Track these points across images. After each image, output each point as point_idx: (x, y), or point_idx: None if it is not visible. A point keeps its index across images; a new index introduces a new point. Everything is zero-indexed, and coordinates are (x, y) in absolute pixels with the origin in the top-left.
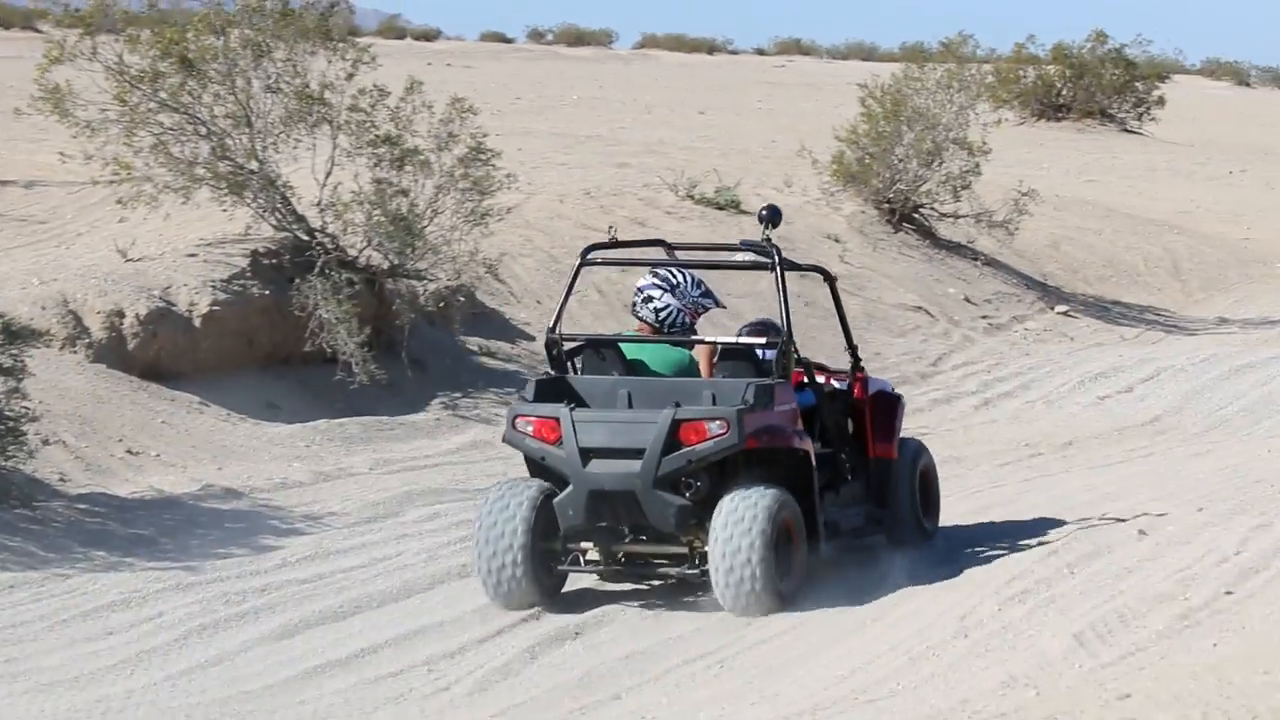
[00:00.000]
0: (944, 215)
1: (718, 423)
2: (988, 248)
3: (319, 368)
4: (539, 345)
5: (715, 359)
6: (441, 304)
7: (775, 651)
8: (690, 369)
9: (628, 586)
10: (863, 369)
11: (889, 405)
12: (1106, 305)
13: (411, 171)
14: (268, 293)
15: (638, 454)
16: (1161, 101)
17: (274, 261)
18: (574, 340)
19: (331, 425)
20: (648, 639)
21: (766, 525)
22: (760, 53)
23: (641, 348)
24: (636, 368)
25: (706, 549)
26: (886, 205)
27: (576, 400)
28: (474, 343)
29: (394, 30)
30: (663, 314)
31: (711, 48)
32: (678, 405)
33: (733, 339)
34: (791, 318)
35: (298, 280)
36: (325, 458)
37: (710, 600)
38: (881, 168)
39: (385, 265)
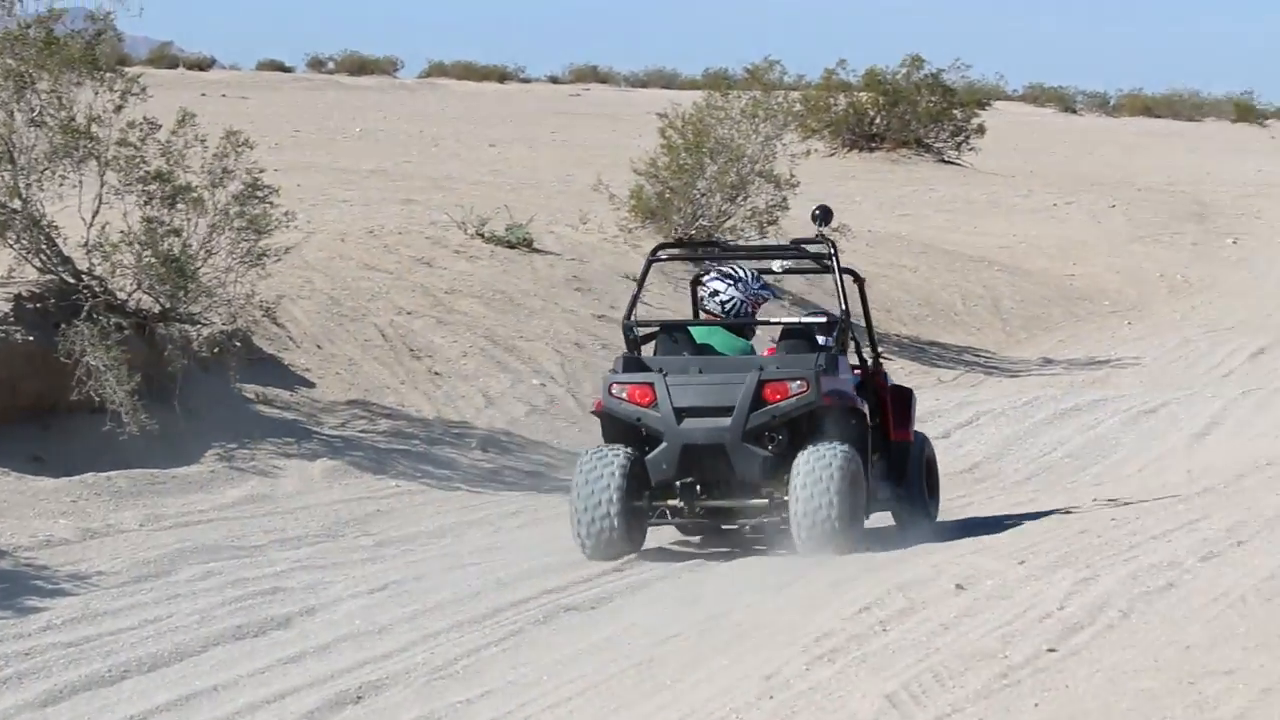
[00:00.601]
0: None
1: (798, 382)
2: (796, 286)
3: (86, 418)
4: (320, 392)
5: (774, 343)
6: (216, 350)
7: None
8: (750, 354)
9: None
10: (882, 364)
11: (905, 397)
12: (923, 346)
13: (184, 210)
14: (31, 339)
15: (727, 411)
16: (981, 130)
17: (38, 306)
18: (649, 326)
19: (100, 479)
20: None
21: (844, 469)
22: (554, 80)
23: (711, 332)
24: (704, 350)
25: (785, 498)
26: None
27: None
28: (251, 390)
29: (166, 59)
30: (728, 305)
31: (503, 75)
32: (761, 369)
33: (795, 319)
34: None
35: (64, 325)
36: (93, 513)
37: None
38: (683, 202)
39: (157, 309)
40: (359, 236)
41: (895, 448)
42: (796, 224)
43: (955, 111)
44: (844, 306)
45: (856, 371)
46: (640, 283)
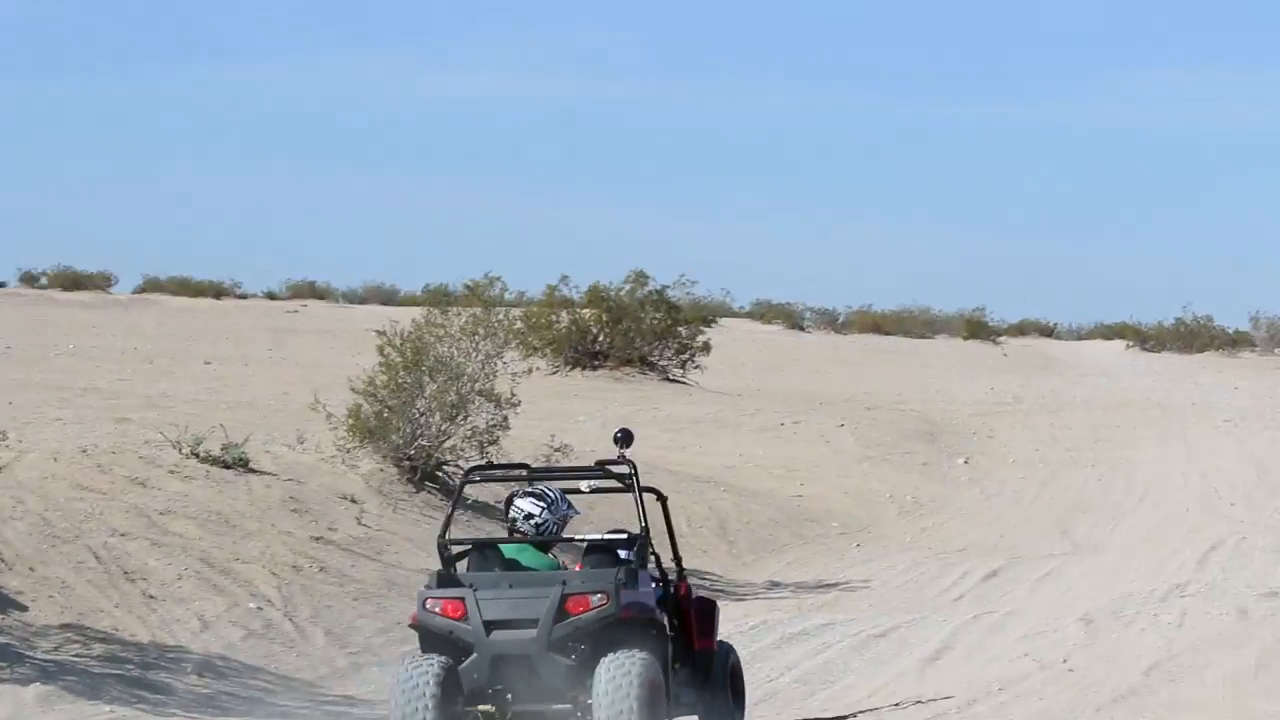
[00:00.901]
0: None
1: (599, 595)
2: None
3: None
4: (33, 615)
5: (580, 560)
6: None
7: None
8: (556, 569)
9: None
10: (685, 577)
11: (708, 608)
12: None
13: None
14: None
15: (533, 624)
16: (707, 347)
17: None
18: (461, 544)
19: None
20: None
21: (642, 678)
22: (271, 297)
23: (520, 549)
24: (513, 566)
25: (589, 702)
26: (407, 462)
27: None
28: None
29: None
30: (541, 527)
31: (219, 291)
32: (564, 583)
33: (599, 535)
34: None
35: None
36: None
37: None
38: (402, 422)
39: None
40: (72, 455)
41: (699, 655)
42: (518, 444)
43: (680, 329)
44: (643, 524)
45: (657, 584)
46: (454, 502)
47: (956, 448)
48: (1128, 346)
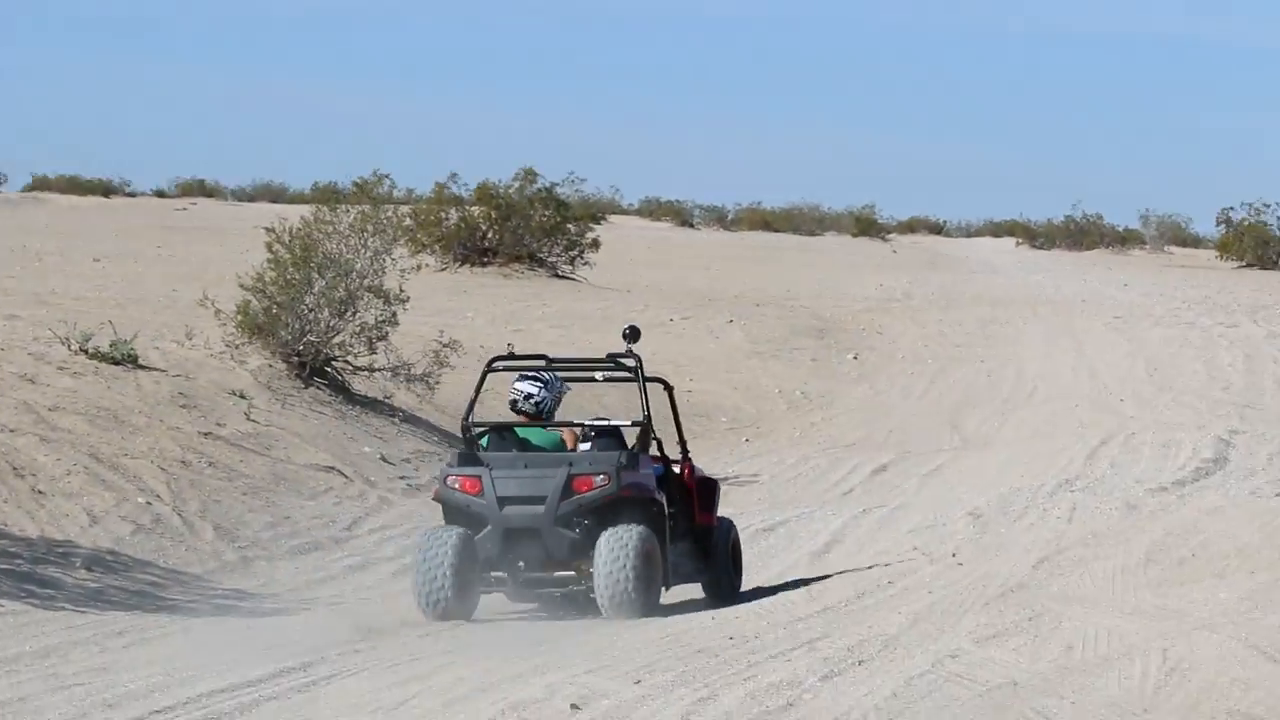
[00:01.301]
0: (359, 369)
1: (602, 476)
2: (407, 403)
3: None
4: None
5: (580, 438)
6: None
7: None
8: (562, 445)
9: None
10: (690, 459)
11: (710, 487)
12: None
13: None
14: None
15: (541, 500)
16: (596, 244)
17: None
18: (482, 426)
19: None
20: None
21: (638, 550)
22: (161, 194)
23: (530, 430)
24: (526, 444)
25: (591, 570)
26: (296, 358)
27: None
28: None
29: None
30: (540, 405)
31: (107, 190)
32: (571, 465)
33: (605, 421)
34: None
35: None
36: None
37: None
38: (290, 318)
39: None
40: None
41: (701, 530)
42: (407, 339)
43: (569, 226)
44: (646, 412)
45: (658, 465)
46: (477, 390)
47: (846, 344)
48: (1017, 244)
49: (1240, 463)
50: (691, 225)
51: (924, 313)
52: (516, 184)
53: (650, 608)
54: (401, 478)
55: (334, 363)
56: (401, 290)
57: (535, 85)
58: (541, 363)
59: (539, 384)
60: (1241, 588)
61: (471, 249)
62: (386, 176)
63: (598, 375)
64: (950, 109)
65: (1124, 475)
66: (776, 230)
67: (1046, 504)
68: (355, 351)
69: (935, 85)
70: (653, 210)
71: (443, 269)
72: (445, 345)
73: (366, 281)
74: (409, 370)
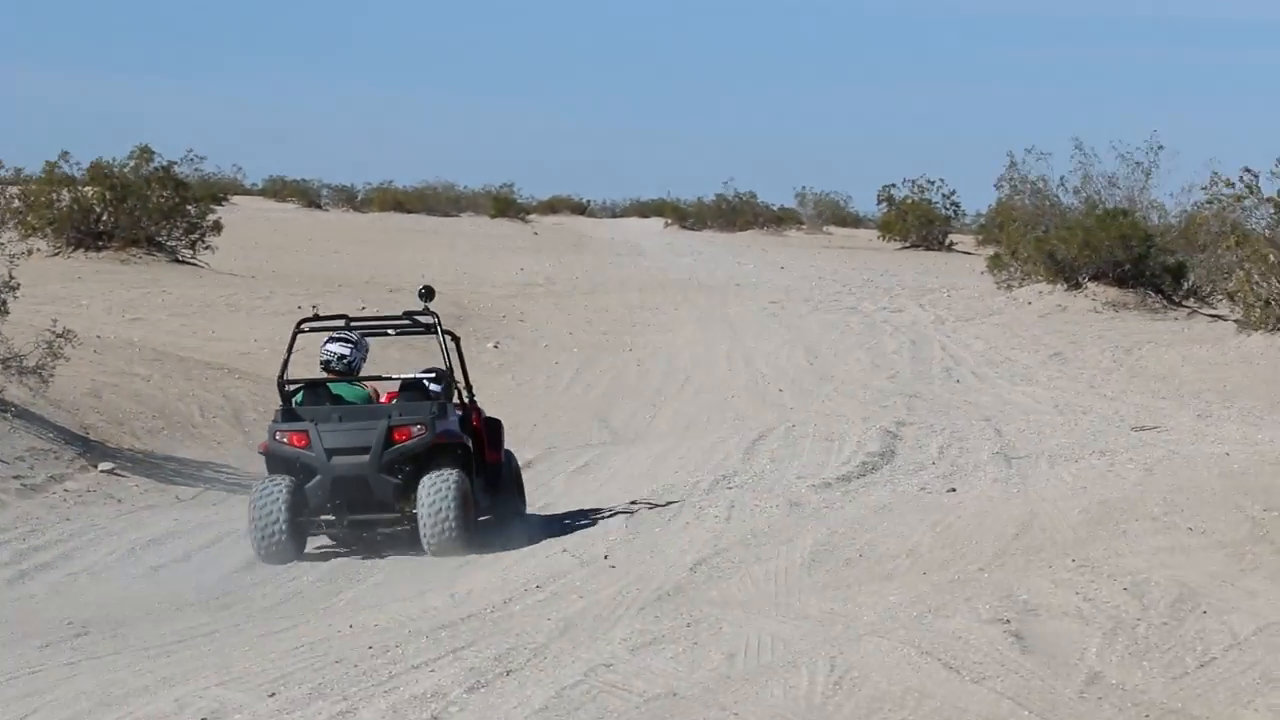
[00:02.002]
0: None
1: (418, 426)
2: (19, 397)
3: None
4: None
5: (392, 393)
6: None
7: None
8: (369, 398)
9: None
10: (476, 403)
11: (496, 427)
12: (159, 461)
13: None
14: None
15: (365, 450)
16: (218, 227)
17: None
18: (296, 383)
19: None
20: None
21: (456, 490)
22: None
23: (340, 385)
24: (338, 399)
25: (414, 511)
26: None
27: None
28: None
29: None
30: (350, 363)
31: None
32: (389, 416)
33: (413, 375)
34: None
35: None
36: None
37: None
38: None
39: None
40: None
41: (490, 466)
42: (18, 329)
43: (189, 207)
44: (448, 364)
45: (459, 411)
46: (289, 350)
47: (485, 331)
48: (666, 225)
49: (908, 456)
50: (319, 206)
51: (569, 298)
52: (132, 163)
53: (470, 544)
54: (15, 477)
55: None
56: (11, 277)
57: (149, 56)
58: (342, 322)
59: (349, 344)
60: (913, 590)
61: (86, 232)
62: None
63: (390, 331)
64: (591, 81)
65: (785, 471)
66: (410, 211)
67: (703, 502)
68: None
69: (574, 56)
70: (277, 190)
71: (55, 253)
72: (59, 335)
73: None
74: (20, 362)
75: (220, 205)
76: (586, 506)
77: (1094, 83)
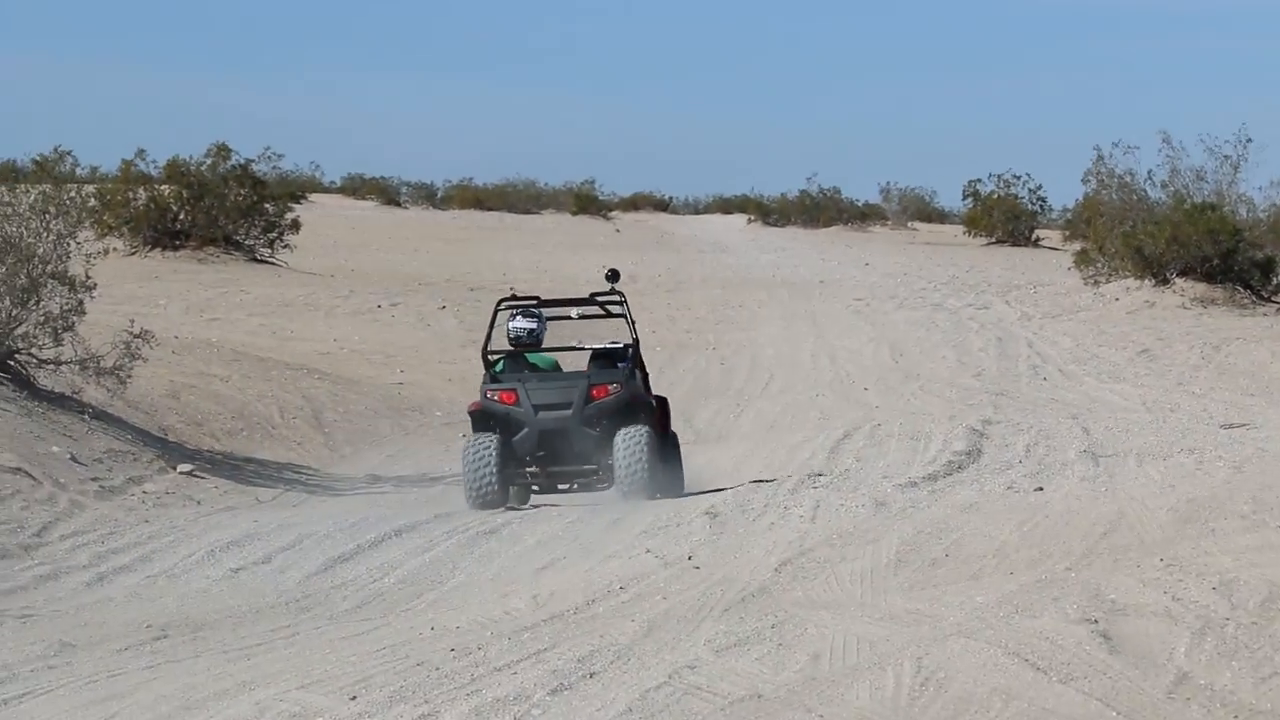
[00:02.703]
0: (44, 362)
1: (615, 385)
2: (97, 399)
3: None
4: None
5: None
6: None
7: None
8: (557, 366)
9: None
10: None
11: (664, 403)
12: (238, 463)
13: None
14: None
15: (568, 406)
16: (296, 226)
17: None
18: (498, 353)
19: None
20: None
21: (648, 444)
22: None
23: (534, 355)
24: (533, 367)
25: (609, 462)
26: None
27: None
28: None
29: None
30: (536, 335)
31: None
32: (589, 377)
33: (603, 345)
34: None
35: None
36: None
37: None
38: None
39: None
40: None
41: (659, 437)
42: (95, 330)
43: (267, 205)
44: (635, 336)
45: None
46: (491, 325)
47: (570, 329)
48: (749, 221)
49: (995, 455)
50: (398, 204)
51: (651, 296)
52: (209, 160)
53: (655, 489)
54: (94, 479)
55: (17, 356)
56: (88, 277)
57: (227, 53)
58: (535, 302)
59: (534, 319)
60: (999, 590)
61: (163, 231)
62: (69, 153)
63: (573, 312)
64: (673, 77)
65: (870, 470)
66: (490, 209)
67: (788, 502)
68: (40, 344)
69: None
70: (356, 188)
71: (132, 253)
72: (136, 336)
73: (50, 267)
74: (98, 363)
75: (298, 203)
76: (669, 506)
77: (1182, 75)
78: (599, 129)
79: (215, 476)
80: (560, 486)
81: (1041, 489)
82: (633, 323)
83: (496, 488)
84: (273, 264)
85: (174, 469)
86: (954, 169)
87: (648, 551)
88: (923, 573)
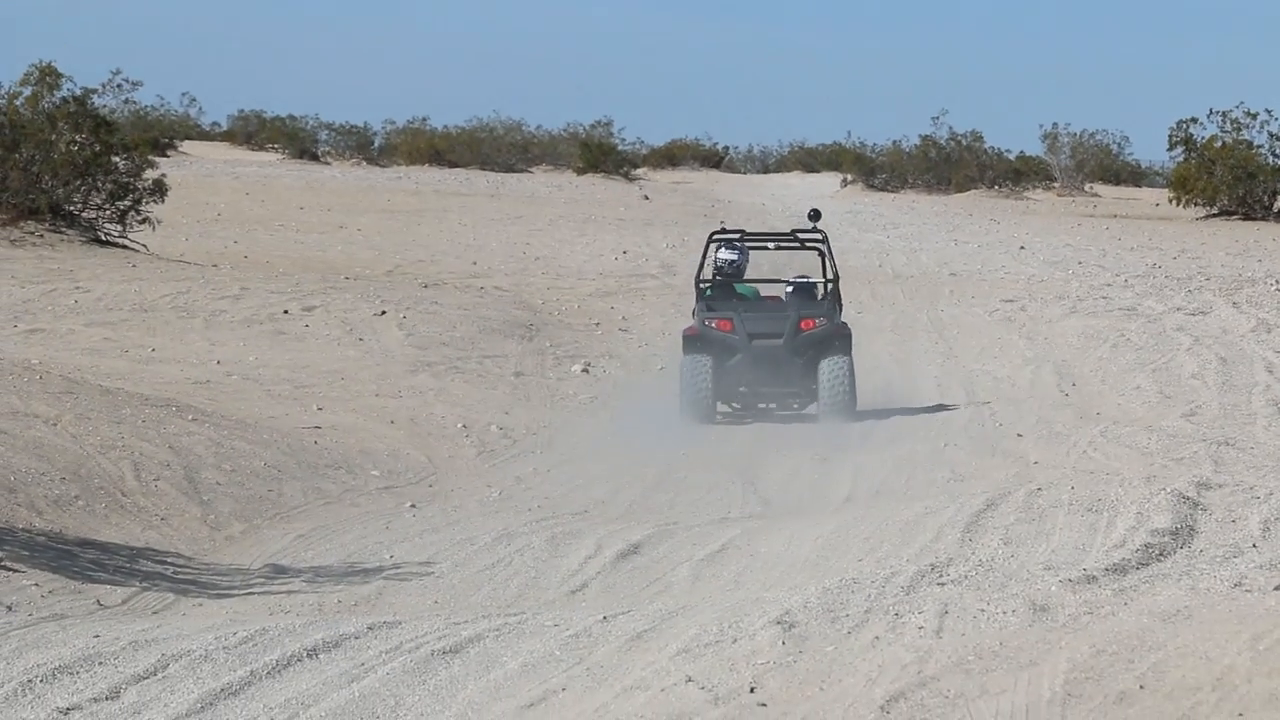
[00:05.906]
0: None
1: (821, 318)
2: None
3: None
4: None
5: (774, 295)
6: None
7: None
8: (759, 295)
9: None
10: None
11: (848, 332)
12: (70, 548)
13: None
14: None
15: (779, 335)
16: (160, 189)
17: None
18: (709, 282)
19: None
20: None
21: (850, 371)
22: None
23: (741, 286)
24: (740, 297)
25: (814, 387)
26: None
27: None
28: None
29: None
30: (736, 265)
31: None
32: (798, 309)
33: (805, 279)
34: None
35: None
36: None
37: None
38: None
39: None
40: None
41: None
42: None
43: (115, 159)
44: (835, 272)
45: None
46: (704, 255)
47: (568, 347)
48: (845, 182)
49: (1215, 535)
50: (315, 157)
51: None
52: (28, 91)
53: (855, 413)
54: None
55: None
56: None
57: None
58: (739, 235)
59: (736, 251)
60: None
61: None
62: None
63: (769, 245)
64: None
65: (1026, 557)
66: (453, 164)
67: (901, 605)
68: None
69: None
70: (251, 133)
71: None
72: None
73: None
74: None
75: (164, 156)
76: (722, 613)
77: None
78: (618, 45)
79: (34, 569)
80: (759, 406)
81: None
82: (832, 257)
83: (710, 403)
84: (125, 247)
85: None
86: (1153, 108)
87: (689, 680)
88: (1106, 713)
